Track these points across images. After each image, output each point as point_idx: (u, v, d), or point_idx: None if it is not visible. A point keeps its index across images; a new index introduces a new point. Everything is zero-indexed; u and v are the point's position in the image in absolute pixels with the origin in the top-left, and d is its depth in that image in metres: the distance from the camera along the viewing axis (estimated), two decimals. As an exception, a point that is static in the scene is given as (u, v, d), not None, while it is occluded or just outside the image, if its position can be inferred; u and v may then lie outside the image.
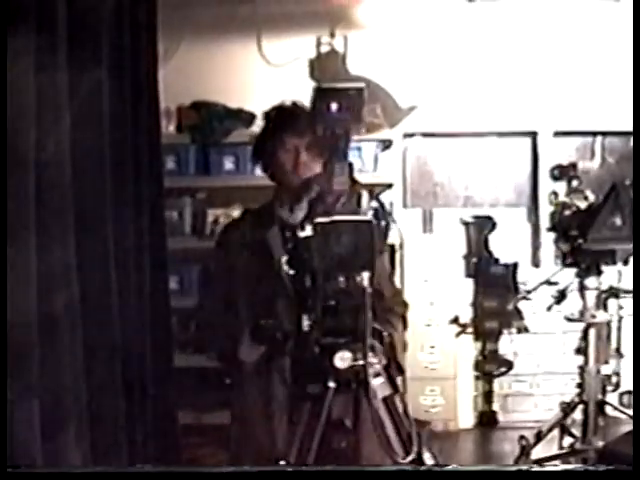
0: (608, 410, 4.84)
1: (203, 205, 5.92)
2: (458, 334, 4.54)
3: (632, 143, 6.09)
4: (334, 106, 2.61)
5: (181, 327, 5.82)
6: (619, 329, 5.30)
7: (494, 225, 5.16)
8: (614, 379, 5.19)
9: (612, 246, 4.47)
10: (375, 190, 2.82)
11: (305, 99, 5.81)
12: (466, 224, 5.98)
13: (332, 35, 5.90)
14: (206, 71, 5.85)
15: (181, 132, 5.83)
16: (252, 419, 3.29)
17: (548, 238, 4.62)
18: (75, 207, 3.12)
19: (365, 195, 2.65)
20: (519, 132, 6.10)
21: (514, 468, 2.48)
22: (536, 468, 2.44)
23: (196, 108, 5.84)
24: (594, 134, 6.16)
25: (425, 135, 6.11)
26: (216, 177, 5.80)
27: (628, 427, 4.63)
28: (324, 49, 5.98)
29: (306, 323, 2.63)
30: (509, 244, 5.71)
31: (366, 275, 2.57)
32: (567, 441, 4.76)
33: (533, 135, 6.09)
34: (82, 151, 3.15)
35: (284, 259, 2.77)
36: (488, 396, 5.92)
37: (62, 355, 3.00)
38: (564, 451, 4.71)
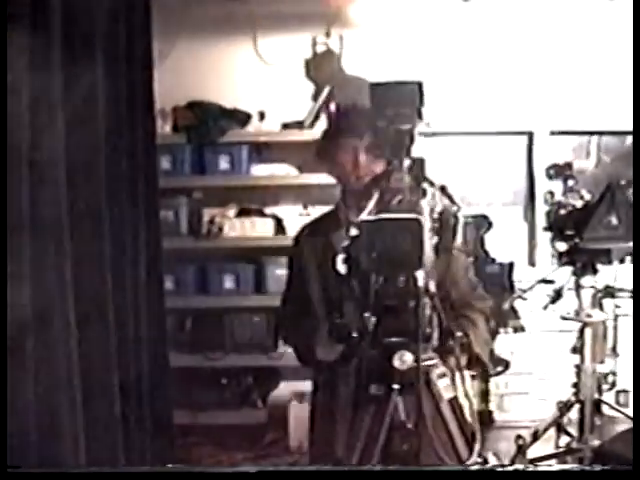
0: (604, 409, 4.85)
1: (199, 205, 5.92)
2: (454, 333, 4.54)
3: (628, 142, 6.09)
4: (393, 102, 2.61)
5: (177, 327, 5.82)
6: (615, 328, 5.31)
7: (490, 224, 5.17)
8: (610, 378, 5.20)
9: (608, 245, 4.48)
10: (446, 188, 2.78)
11: (302, 99, 5.86)
12: (462, 223, 6.00)
13: (328, 35, 5.89)
14: (201, 71, 5.84)
15: (177, 132, 5.81)
16: (331, 418, 3.26)
17: (544, 237, 4.62)
18: (70, 207, 3.12)
19: (431, 192, 2.63)
20: (515, 131, 6.09)
21: (514, 468, 2.47)
22: (536, 468, 2.45)
23: (191, 108, 5.83)
24: (590, 133, 6.17)
25: (420, 134, 6.09)
26: (212, 177, 5.79)
27: (624, 426, 4.63)
28: (320, 49, 5.97)
29: (370, 323, 2.60)
30: (505, 243, 5.72)
31: (420, 274, 2.52)
32: (564, 440, 4.77)
33: (529, 134, 6.08)
34: (77, 151, 3.15)
35: (339, 258, 2.75)
36: (485, 395, 5.91)
37: (56, 354, 3.00)
38: (560, 450, 4.72)
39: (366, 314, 2.60)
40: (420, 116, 2.66)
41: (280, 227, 5.85)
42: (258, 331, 5.84)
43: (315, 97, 5.90)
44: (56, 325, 3.00)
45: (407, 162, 2.60)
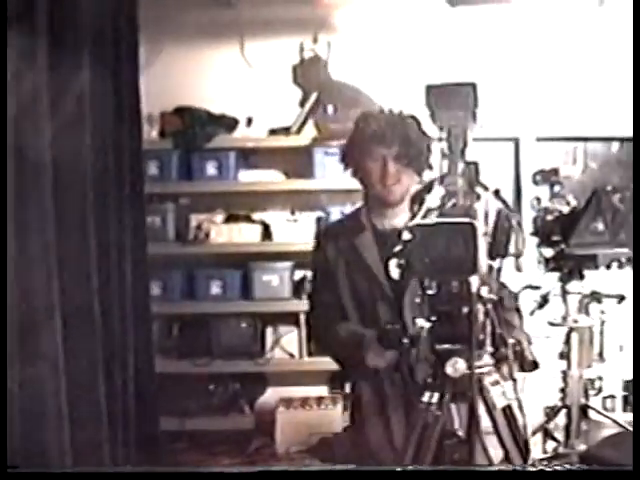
0: (591, 414, 4.85)
1: (186, 210, 5.90)
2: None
3: (614, 149, 6.10)
4: (447, 104, 2.59)
5: (164, 332, 5.81)
6: (601, 333, 5.32)
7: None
8: (597, 383, 5.22)
9: (594, 251, 4.49)
10: (500, 192, 2.74)
11: (289, 104, 5.86)
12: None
13: (315, 40, 5.90)
14: (189, 76, 5.83)
15: (164, 137, 5.81)
16: (376, 425, 3.24)
17: (531, 243, 4.62)
18: (56, 212, 3.11)
19: (486, 196, 2.60)
20: (501, 137, 6.10)
21: (514, 468, 2.46)
22: (536, 468, 2.44)
23: (179, 113, 5.82)
24: (576, 140, 6.18)
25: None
26: (199, 182, 5.78)
27: (611, 431, 4.64)
28: (307, 54, 5.97)
29: (421, 329, 2.58)
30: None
31: (474, 279, 2.49)
32: (550, 445, 4.77)
33: (515, 140, 6.09)
34: (63, 156, 3.14)
35: (392, 262, 2.71)
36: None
37: (42, 359, 2.99)
38: (547, 455, 4.72)
39: (418, 320, 2.58)
40: (474, 119, 2.63)
41: (267, 233, 5.84)
42: (245, 337, 5.83)
43: (302, 103, 5.90)
44: (41, 330, 2.99)
45: (461, 166, 2.57)
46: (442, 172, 2.60)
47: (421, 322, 2.58)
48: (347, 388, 5.89)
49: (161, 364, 5.09)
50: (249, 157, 5.97)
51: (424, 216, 2.57)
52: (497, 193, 2.70)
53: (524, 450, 2.65)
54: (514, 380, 2.71)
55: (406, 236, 2.52)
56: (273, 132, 5.89)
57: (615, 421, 4.85)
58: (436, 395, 2.59)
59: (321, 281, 3.42)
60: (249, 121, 5.92)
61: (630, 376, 5.36)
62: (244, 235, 5.80)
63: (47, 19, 3.12)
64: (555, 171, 4.87)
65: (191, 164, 5.80)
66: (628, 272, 4.77)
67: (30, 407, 2.89)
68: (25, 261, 2.89)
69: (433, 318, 2.55)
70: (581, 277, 4.63)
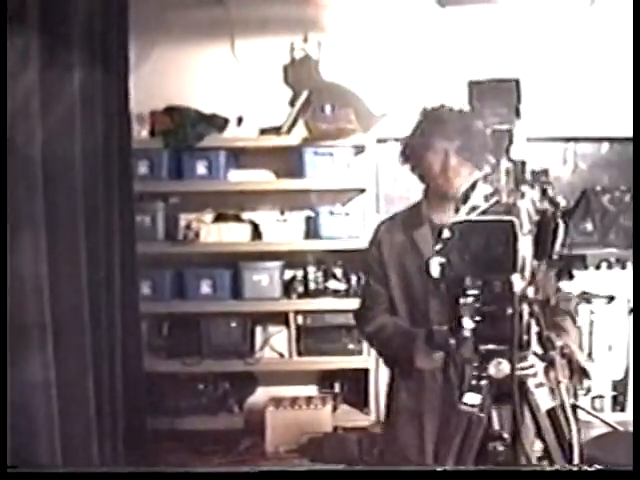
0: (580, 414, 4.85)
1: (176, 210, 5.90)
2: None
3: (604, 150, 6.11)
4: (491, 101, 2.54)
5: (154, 332, 5.80)
6: (590, 334, 5.33)
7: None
8: (586, 383, 5.22)
9: (583, 251, 4.50)
10: (548, 189, 2.66)
11: (280, 104, 5.86)
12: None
13: (305, 40, 5.90)
14: (179, 75, 5.83)
15: (154, 137, 5.80)
16: (419, 425, 3.21)
17: (520, 243, 4.61)
18: (44, 211, 3.10)
19: (532, 194, 2.55)
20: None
21: (513, 468, 2.44)
22: (536, 468, 2.42)
23: (169, 112, 5.82)
24: (566, 140, 6.19)
25: (399, 141, 6.10)
26: (189, 182, 5.78)
27: (600, 431, 4.64)
28: (298, 54, 5.97)
29: (467, 329, 2.50)
30: (482, 249, 5.72)
31: (516, 279, 2.43)
32: (538, 445, 4.77)
33: (506, 141, 6.09)
34: (52, 156, 3.14)
35: (434, 260, 2.69)
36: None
37: (30, 358, 2.99)
38: (537, 455, 4.72)
39: (462, 320, 2.51)
40: (518, 115, 2.58)
41: (257, 232, 5.85)
42: (235, 336, 5.83)
43: (292, 102, 5.90)
44: (29, 330, 2.99)
45: (506, 163, 2.53)
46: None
47: (465, 322, 2.51)
48: (337, 388, 5.91)
49: (151, 363, 5.09)
50: (239, 157, 5.97)
51: (467, 214, 2.56)
52: (544, 192, 2.67)
53: (569, 454, 2.55)
54: (560, 383, 2.63)
55: (446, 234, 2.51)
56: (263, 132, 5.90)
57: (604, 421, 4.85)
58: (479, 397, 2.53)
59: (374, 274, 3.39)
60: (239, 121, 5.92)
61: (619, 376, 5.38)
62: (234, 235, 5.79)
63: (37, 18, 3.12)
64: (545, 172, 4.87)
65: (181, 163, 5.80)
66: (617, 272, 4.79)
67: (19, 406, 2.88)
68: (14, 260, 2.88)
69: (477, 318, 2.49)
70: (570, 277, 4.63)
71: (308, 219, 5.87)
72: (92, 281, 3.55)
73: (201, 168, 5.78)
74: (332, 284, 5.79)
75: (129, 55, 4.34)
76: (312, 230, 5.83)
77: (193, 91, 5.86)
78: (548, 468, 2.46)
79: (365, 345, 5.77)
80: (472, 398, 2.54)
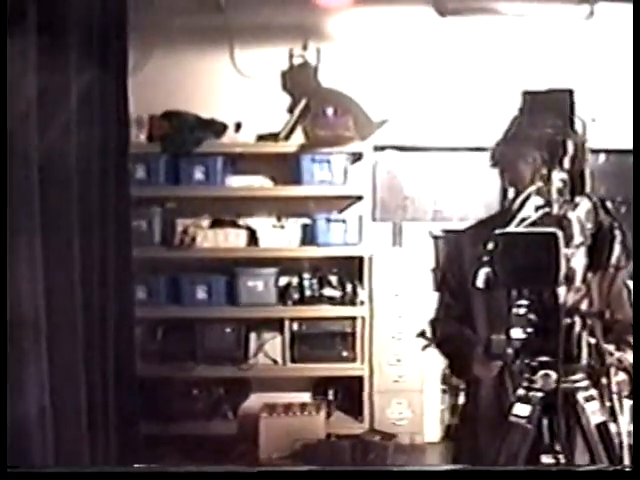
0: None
1: (172, 215, 5.91)
2: (425, 347, 4.54)
3: (601, 160, 6.12)
4: (545, 111, 2.54)
5: (149, 337, 5.80)
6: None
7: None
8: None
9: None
10: (606, 200, 2.62)
11: (278, 110, 5.87)
12: (435, 238, 6.00)
13: (305, 47, 5.91)
14: (178, 81, 5.83)
15: (152, 141, 5.80)
16: (477, 435, 3.19)
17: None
18: (40, 215, 3.10)
19: (586, 206, 2.52)
20: (489, 147, 6.10)
21: (514, 468, 2.42)
22: (536, 468, 2.40)
23: (167, 118, 5.82)
24: (563, 150, 6.19)
25: (396, 148, 6.12)
26: (186, 187, 5.78)
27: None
28: (296, 61, 5.98)
29: (516, 339, 2.49)
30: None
31: (562, 291, 2.41)
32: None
33: (502, 150, 6.10)
34: (49, 159, 3.14)
35: (479, 272, 2.67)
36: (455, 409, 5.93)
37: (26, 361, 2.98)
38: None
39: (513, 331, 2.49)
40: (572, 126, 2.57)
41: (253, 238, 5.85)
42: (229, 342, 5.83)
43: (291, 109, 5.91)
44: (24, 334, 2.99)
45: (560, 174, 2.51)
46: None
47: (514, 332, 2.49)
48: (330, 395, 5.91)
49: (145, 368, 5.08)
50: (237, 162, 5.97)
51: (517, 225, 2.54)
52: (602, 203, 2.65)
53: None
54: (612, 396, 2.60)
55: (490, 245, 2.49)
56: (261, 138, 5.91)
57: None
58: (528, 408, 2.51)
59: (448, 285, 3.32)
60: (238, 126, 5.92)
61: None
62: (230, 240, 5.80)
63: (36, 22, 3.12)
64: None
65: (178, 168, 5.80)
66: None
67: (12, 409, 2.88)
68: (9, 264, 2.88)
69: (529, 330, 2.47)
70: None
71: (305, 226, 5.87)
72: (87, 285, 3.55)
73: (198, 173, 5.78)
74: (327, 291, 5.79)
75: (128, 60, 4.34)
76: (308, 237, 5.84)
77: (191, 96, 5.86)
78: (548, 468, 2.43)
79: (359, 352, 5.78)
80: (521, 409, 2.53)
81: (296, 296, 5.81)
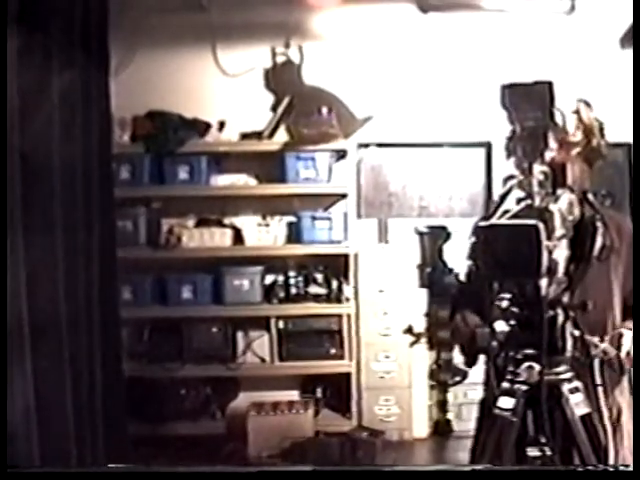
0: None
1: (158, 215, 5.90)
2: (412, 344, 4.52)
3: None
4: (525, 103, 2.53)
5: (135, 337, 5.78)
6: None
7: (448, 235, 5.17)
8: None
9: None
10: (588, 193, 2.67)
11: (261, 109, 5.86)
12: (420, 234, 5.97)
13: (287, 45, 5.90)
14: (161, 81, 5.82)
15: (135, 141, 5.79)
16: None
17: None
18: (23, 216, 3.09)
19: (568, 198, 2.53)
20: (473, 143, 6.12)
21: (514, 468, 2.42)
22: (536, 468, 2.39)
23: (151, 117, 5.81)
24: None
25: (380, 145, 6.13)
26: (171, 187, 5.77)
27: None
28: (280, 59, 5.98)
29: (500, 332, 2.49)
30: (463, 254, 5.74)
31: (544, 283, 2.42)
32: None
33: (487, 145, 6.12)
34: (31, 159, 3.13)
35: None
36: (443, 405, 5.94)
37: (9, 365, 2.97)
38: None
39: (496, 324, 2.49)
40: (552, 118, 2.58)
41: (239, 237, 5.85)
42: (216, 341, 5.82)
43: (274, 107, 5.91)
44: (8, 335, 2.97)
45: (540, 167, 2.52)
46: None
47: (498, 325, 2.49)
48: (318, 392, 5.90)
49: (132, 369, 5.07)
50: (221, 161, 5.97)
51: (499, 217, 2.54)
52: (584, 196, 2.65)
53: (603, 460, 2.54)
54: (597, 387, 2.62)
55: (472, 238, 2.48)
56: (245, 137, 5.90)
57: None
58: (512, 401, 2.53)
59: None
60: (221, 125, 5.91)
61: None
62: (215, 239, 5.80)
63: (17, 22, 3.11)
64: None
65: (163, 168, 5.79)
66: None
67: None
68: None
69: (512, 322, 2.48)
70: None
71: (290, 224, 5.87)
72: (71, 286, 3.54)
73: (183, 173, 5.78)
74: (313, 289, 5.79)
75: (110, 60, 4.33)
76: (294, 235, 5.84)
77: (175, 96, 5.85)
78: (548, 468, 2.43)
79: (346, 349, 5.78)
80: (506, 402, 2.54)
81: (282, 294, 5.81)
